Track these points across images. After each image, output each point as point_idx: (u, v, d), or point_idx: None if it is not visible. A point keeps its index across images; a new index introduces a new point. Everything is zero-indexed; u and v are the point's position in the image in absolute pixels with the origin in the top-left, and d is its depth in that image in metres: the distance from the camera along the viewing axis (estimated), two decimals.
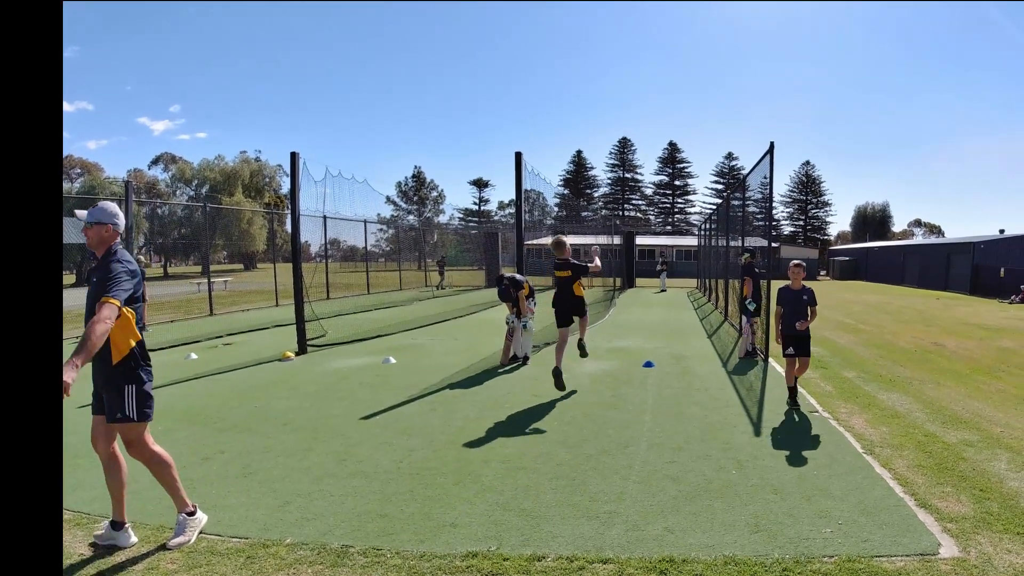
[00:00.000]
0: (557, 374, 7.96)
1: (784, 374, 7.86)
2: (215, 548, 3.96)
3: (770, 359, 10.22)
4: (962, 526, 4.18)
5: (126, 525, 4.02)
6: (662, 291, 31.29)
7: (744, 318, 11.40)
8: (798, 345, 7.45)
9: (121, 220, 4.04)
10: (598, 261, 8.92)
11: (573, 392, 8.25)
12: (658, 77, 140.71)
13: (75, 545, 4.00)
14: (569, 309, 8.43)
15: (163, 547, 3.97)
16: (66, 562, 3.77)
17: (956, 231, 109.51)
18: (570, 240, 8.77)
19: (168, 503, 4.55)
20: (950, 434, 6.37)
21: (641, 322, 16.56)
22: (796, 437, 6.23)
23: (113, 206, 4.07)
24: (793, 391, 7.54)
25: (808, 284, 7.56)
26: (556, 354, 8.20)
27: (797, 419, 6.97)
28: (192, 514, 4.13)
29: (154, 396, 4.05)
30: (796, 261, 7.60)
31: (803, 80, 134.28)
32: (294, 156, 11.52)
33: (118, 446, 4.06)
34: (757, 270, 11.34)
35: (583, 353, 8.89)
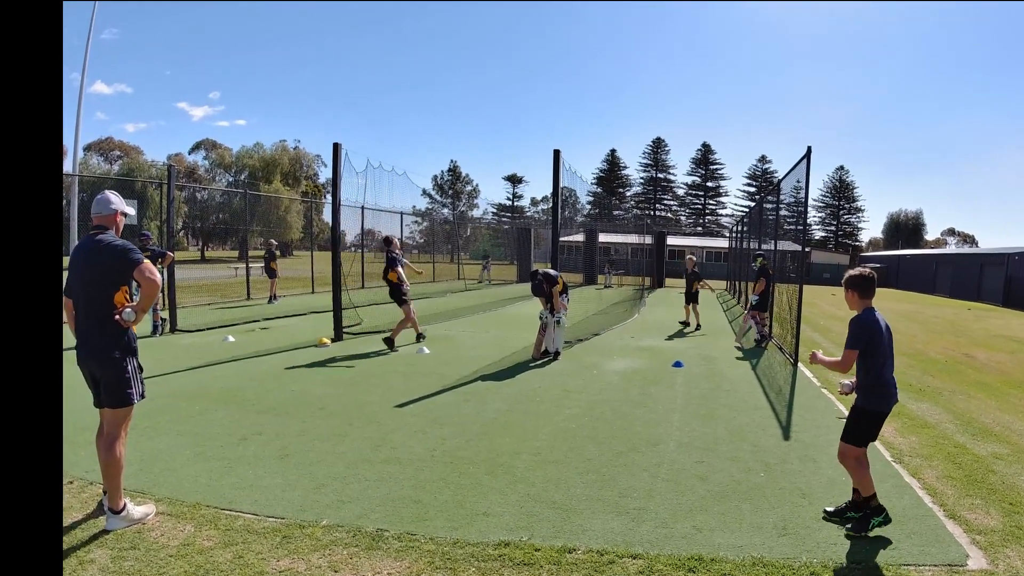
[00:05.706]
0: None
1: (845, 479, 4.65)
2: (251, 527, 4.06)
3: (799, 364, 10.17)
4: (991, 539, 4.18)
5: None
6: None
7: (748, 311, 13.09)
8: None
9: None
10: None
11: (602, 389, 8.32)
12: (694, 78, 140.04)
13: (113, 519, 4.04)
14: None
15: (200, 525, 4.07)
16: (104, 536, 3.87)
17: (990, 242, 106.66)
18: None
19: (206, 480, 4.75)
20: (980, 446, 6.33)
21: (670, 322, 16.51)
22: (825, 443, 6.20)
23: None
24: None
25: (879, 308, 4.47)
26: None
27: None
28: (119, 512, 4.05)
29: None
30: (850, 272, 4.44)
31: (839, 85, 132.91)
32: (336, 147, 11.65)
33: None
34: (771, 272, 12.88)
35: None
